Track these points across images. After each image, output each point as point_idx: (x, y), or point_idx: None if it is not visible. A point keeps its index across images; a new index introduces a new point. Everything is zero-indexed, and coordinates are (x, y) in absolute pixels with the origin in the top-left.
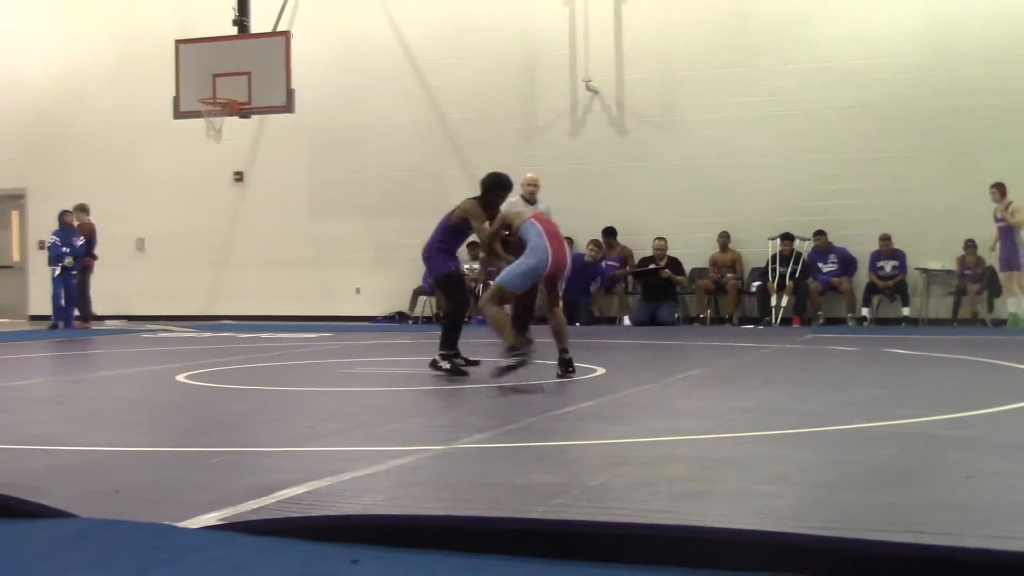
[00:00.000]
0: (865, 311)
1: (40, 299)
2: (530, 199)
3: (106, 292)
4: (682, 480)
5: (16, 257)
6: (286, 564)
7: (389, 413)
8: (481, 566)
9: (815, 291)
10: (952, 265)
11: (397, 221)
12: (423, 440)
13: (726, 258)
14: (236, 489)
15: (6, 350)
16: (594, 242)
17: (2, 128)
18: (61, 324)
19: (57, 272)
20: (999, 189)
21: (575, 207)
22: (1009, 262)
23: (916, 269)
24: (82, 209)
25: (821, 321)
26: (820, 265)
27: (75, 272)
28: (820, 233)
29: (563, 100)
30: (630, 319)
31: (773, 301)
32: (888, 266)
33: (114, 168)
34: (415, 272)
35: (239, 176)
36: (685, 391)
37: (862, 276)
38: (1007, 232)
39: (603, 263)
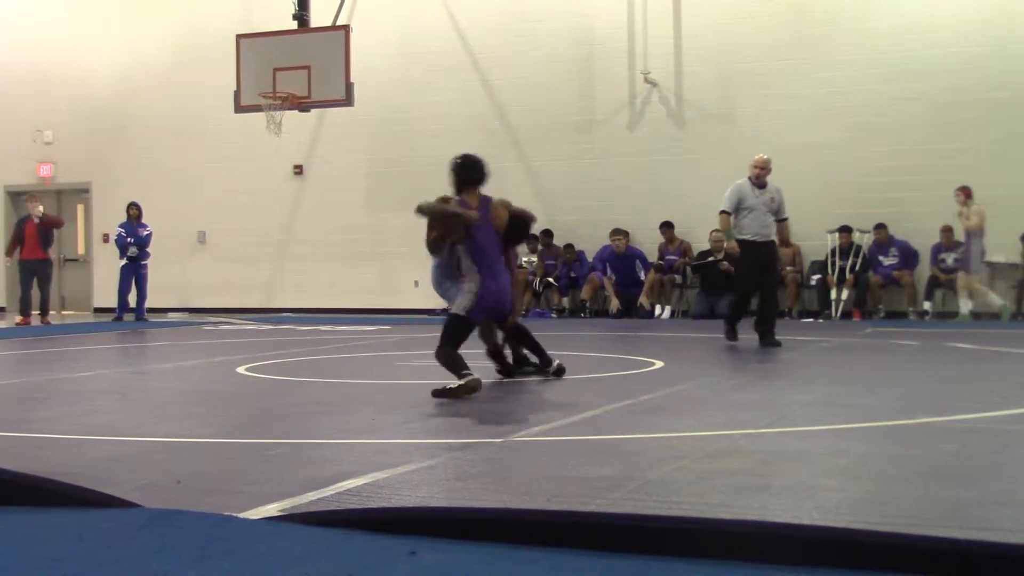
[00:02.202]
0: (927, 305)
1: (104, 292)
2: (758, 183)
3: (168, 285)
4: (741, 474)
5: (82, 250)
6: (345, 555)
7: (447, 406)
8: (538, 559)
9: (875, 284)
10: (1017, 258)
11: None
12: (481, 433)
13: (785, 251)
14: (295, 480)
15: (71, 342)
16: (617, 231)
17: (67, 124)
18: (129, 317)
19: (123, 263)
20: (963, 192)
21: (632, 200)
22: (965, 264)
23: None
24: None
25: (881, 315)
26: (881, 258)
27: (143, 263)
28: (880, 226)
29: (621, 92)
30: (669, 312)
31: (833, 294)
32: (950, 259)
33: (175, 162)
34: None
35: (298, 169)
36: (744, 384)
37: (924, 269)
38: (967, 235)
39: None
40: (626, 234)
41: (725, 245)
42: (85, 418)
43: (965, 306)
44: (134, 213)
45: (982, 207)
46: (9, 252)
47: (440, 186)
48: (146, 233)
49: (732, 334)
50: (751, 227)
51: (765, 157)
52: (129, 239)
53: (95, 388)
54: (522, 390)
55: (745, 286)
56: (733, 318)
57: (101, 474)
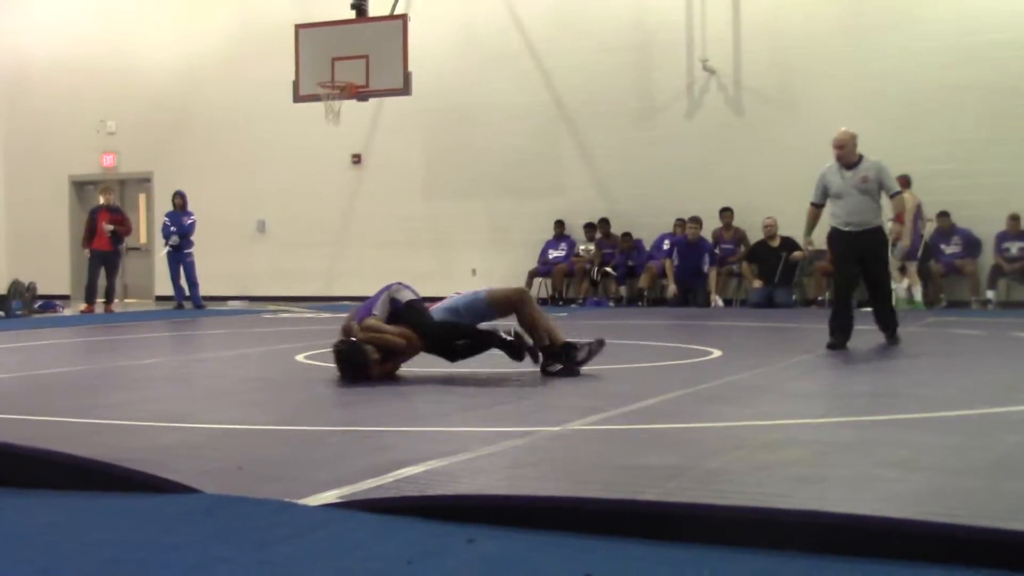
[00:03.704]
0: (990, 294)
1: (166, 280)
2: (845, 163)
3: (227, 273)
4: (799, 464)
5: (143, 239)
6: (403, 542)
7: (505, 394)
8: (596, 547)
9: (937, 273)
10: None
11: (512, 202)
12: (538, 421)
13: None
14: (355, 467)
15: (132, 330)
16: (694, 219)
17: (130, 114)
18: (188, 305)
19: (165, 251)
20: (900, 180)
21: (690, 188)
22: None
23: None
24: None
25: (944, 304)
26: (943, 247)
27: (187, 251)
28: (943, 214)
29: (679, 80)
30: (722, 300)
31: (894, 284)
32: (1015, 247)
33: (234, 151)
34: (530, 253)
35: (356, 158)
36: (803, 374)
37: (987, 258)
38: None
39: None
40: (700, 223)
41: (802, 243)
42: (147, 405)
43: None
44: (179, 202)
45: (908, 195)
46: (85, 244)
47: (498, 174)
48: (189, 222)
49: (832, 339)
50: (841, 215)
51: (843, 132)
52: (172, 228)
53: (157, 375)
54: (580, 380)
55: (840, 282)
56: (832, 320)
57: (164, 460)
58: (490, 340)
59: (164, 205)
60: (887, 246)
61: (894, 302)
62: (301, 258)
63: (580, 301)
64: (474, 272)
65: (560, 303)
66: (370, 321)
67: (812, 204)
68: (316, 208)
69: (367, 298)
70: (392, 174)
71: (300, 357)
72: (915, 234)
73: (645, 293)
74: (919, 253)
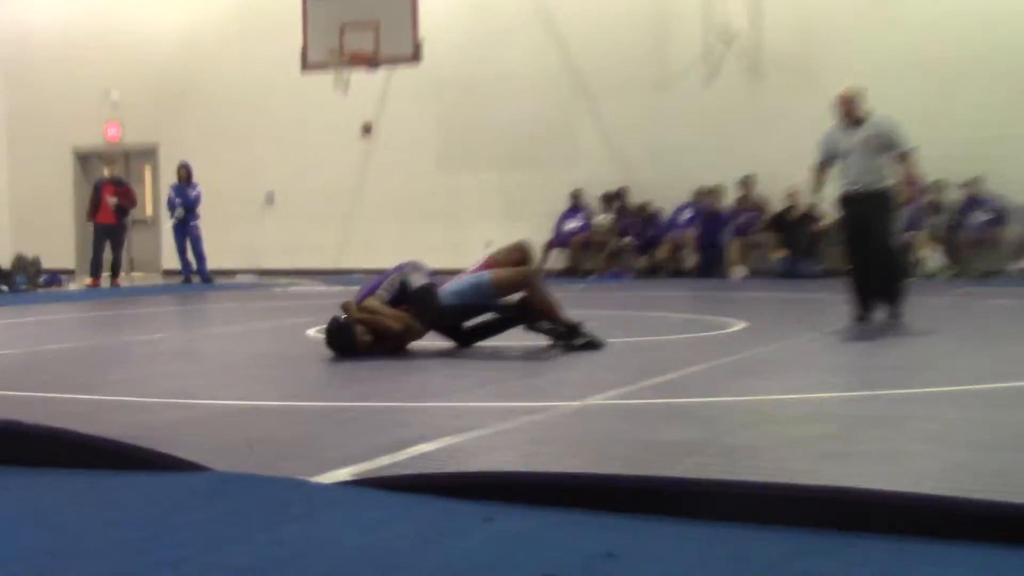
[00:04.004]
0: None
1: (172, 254)
2: (849, 121)
3: (236, 247)
4: (827, 439)
5: (149, 212)
6: (420, 520)
7: (521, 369)
8: (615, 525)
9: (967, 243)
10: None
11: (527, 173)
12: (556, 396)
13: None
14: (368, 445)
15: (139, 304)
16: (714, 188)
17: (134, 84)
18: (196, 279)
19: (171, 224)
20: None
21: (709, 158)
22: None
23: None
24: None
25: (974, 274)
26: (972, 215)
27: (193, 224)
28: (971, 182)
29: (696, 47)
30: (744, 271)
31: (922, 253)
32: None
33: (242, 122)
34: (546, 225)
35: (367, 129)
36: (830, 346)
37: (1018, 227)
38: None
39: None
40: (720, 193)
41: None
42: (156, 381)
43: None
44: (183, 174)
45: None
46: (90, 217)
47: (512, 144)
48: (194, 194)
49: (857, 310)
50: (842, 176)
51: (847, 88)
52: (177, 200)
53: (165, 351)
54: (600, 354)
55: (849, 249)
56: (852, 291)
57: (172, 437)
58: (527, 322)
59: (170, 177)
60: (890, 210)
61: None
62: (311, 231)
63: (598, 273)
64: (488, 244)
65: (579, 275)
66: (369, 302)
67: (817, 165)
68: (326, 180)
69: (379, 272)
70: (403, 146)
71: (311, 332)
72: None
73: (664, 265)
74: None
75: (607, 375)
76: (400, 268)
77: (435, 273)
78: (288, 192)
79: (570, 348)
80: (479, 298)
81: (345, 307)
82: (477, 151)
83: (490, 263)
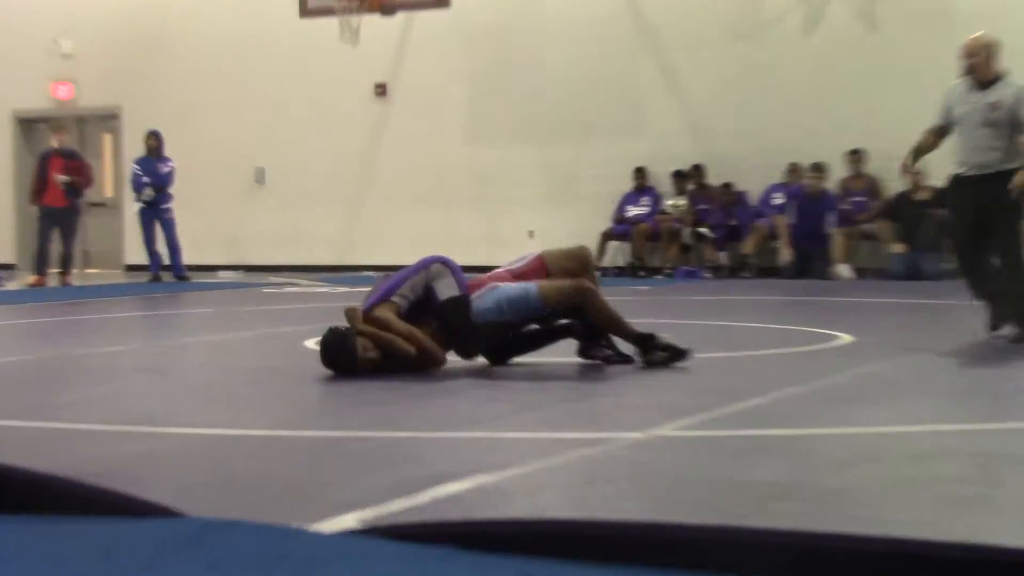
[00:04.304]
0: None
1: (138, 244)
2: (974, 80)
3: (217, 236)
4: (953, 481)
5: (109, 192)
6: None
7: (570, 390)
8: None
9: None
10: None
11: (579, 146)
12: (613, 425)
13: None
14: (380, 484)
15: (99, 308)
16: (815, 166)
17: (90, 32)
18: (167, 277)
19: (137, 208)
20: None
21: (809, 125)
22: None
23: None
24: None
25: None
26: None
27: (164, 206)
28: None
29: None
30: (851, 270)
31: None
32: None
33: (225, 81)
34: (603, 211)
35: (381, 90)
36: (956, 366)
37: None
38: None
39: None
40: (822, 170)
41: (901, 165)
42: (117, 403)
43: None
44: (153, 145)
45: None
46: (35, 199)
47: (561, 110)
48: (167, 170)
49: (991, 319)
50: (959, 153)
51: (976, 37)
52: (146, 178)
53: (128, 366)
54: (668, 374)
55: (958, 246)
56: (976, 297)
57: (137, 474)
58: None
59: (136, 149)
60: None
61: None
62: (310, 217)
63: (668, 271)
64: (531, 235)
65: (641, 273)
66: (381, 312)
67: (931, 129)
68: (330, 154)
69: (396, 268)
70: (425, 110)
71: (310, 343)
72: None
73: (751, 260)
74: None
75: (677, 399)
76: (425, 265)
77: (467, 270)
78: (282, 169)
79: (675, 355)
80: (524, 314)
81: (349, 314)
82: (516, 118)
83: (536, 267)
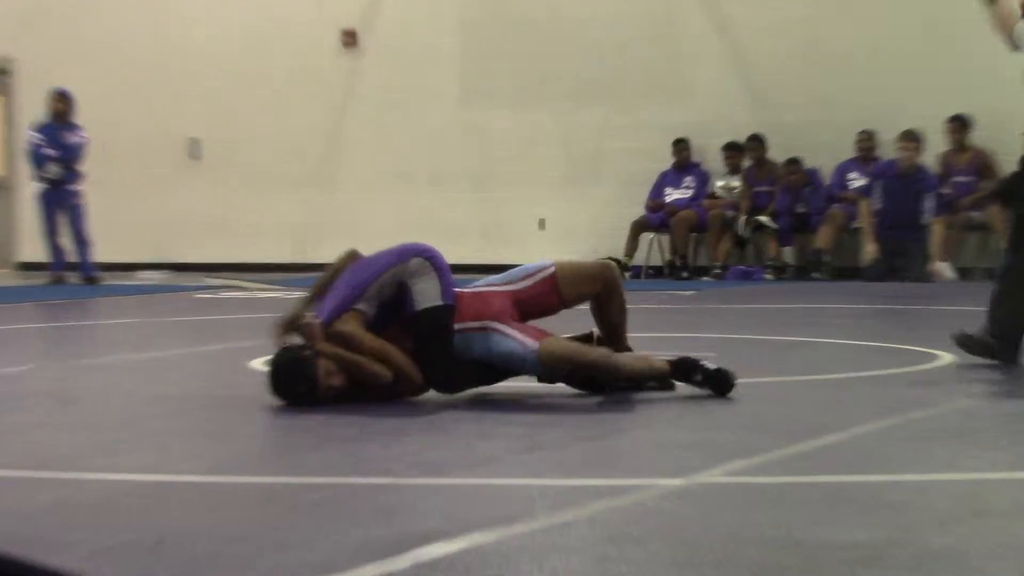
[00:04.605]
0: None
1: (36, 236)
2: None
3: (139, 226)
4: None
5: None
6: None
7: (587, 424)
8: None
9: None
10: None
11: (603, 111)
12: (646, 469)
13: None
14: (347, 544)
15: None
16: (908, 135)
17: None
18: (73, 277)
19: (36, 189)
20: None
21: (898, 84)
22: None
23: None
24: None
25: None
26: None
27: (72, 188)
28: None
29: None
30: (954, 269)
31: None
32: None
33: (150, 29)
34: (634, 194)
35: (349, 39)
36: None
37: None
38: None
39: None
40: (917, 141)
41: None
42: (13, 442)
43: None
44: (59, 108)
45: None
46: None
47: (580, 67)
48: (76, 141)
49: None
50: None
51: None
52: (49, 150)
53: (24, 392)
54: (715, 402)
55: None
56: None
57: (41, 532)
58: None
59: (33, 112)
60: None
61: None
62: (258, 203)
63: (717, 271)
64: (542, 225)
65: (684, 274)
66: (345, 326)
67: None
68: (283, 122)
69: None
70: (407, 67)
71: (257, 364)
72: None
73: (826, 257)
74: None
75: (727, 436)
76: (400, 256)
77: (463, 270)
78: (222, 141)
79: (721, 382)
80: (514, 371)
81: (306, 329)
82: (524, 76)
83: (545, 292)
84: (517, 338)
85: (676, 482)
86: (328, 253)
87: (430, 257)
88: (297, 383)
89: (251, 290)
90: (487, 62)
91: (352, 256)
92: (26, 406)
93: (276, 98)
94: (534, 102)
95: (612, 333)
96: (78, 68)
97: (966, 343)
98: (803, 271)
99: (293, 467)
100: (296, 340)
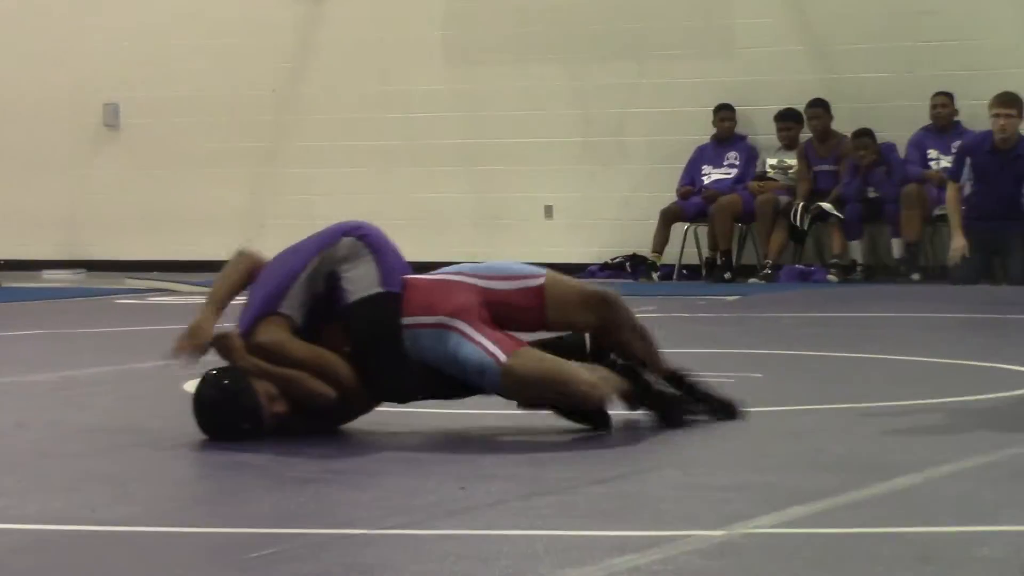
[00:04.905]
0: None
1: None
2: None
3: (43, 216)
4: None
5: None
6: None
7: (613, 463)
8: None
9: None
10: None
11: (629, 71)
12: (680, 518)
13: None
14: None
15: None
16: (1005, 99)
17: None
18: None
19: None
20: None
21: (992, 33)
22: None
23: None
24: None
25: None
26: None
27: None
28: None
29: None
30: None
31: None
32: None
33: None
34: (664, 173)
35: None
36: None
37: None
38: None
39: None
40: (1019, 106)
41: None
42: None
43: None
44: None
45: None
46: None
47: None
48: None
49: None
50: None
51: None
52: None
53: None
54: (765, 438)
55: None
56: None
57: None
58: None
59: None
60: None
61: None
62: (194, 184)
63: (768, 270)
64: (549, 212)
65: (727, 275)
66: (268, 334)
67: None
68: (227, 84)
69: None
70: (381, 15)
71: (188, 386)
72: None
73: (913, 253)
74: None
75: (780, 477)
76: (326, 239)
77: (447, 264)
78: (147, 104)
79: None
80: (469, 382)
81: (222, 344)
82: (526, 24)
83: (527, 306)
84: (480, 343)
85: (715, 533)
86: (275, 247)
87: (363, 236)
88: (240, 420)
89: (181, 293)
90: (480, 10)
91: (243, 258)
92: None
93: (215, 56)
94: (541, 57)
95: (645, 362)
96: None
97: None
98: (873, 270)
99: (238, 515)
100: (210, 359)
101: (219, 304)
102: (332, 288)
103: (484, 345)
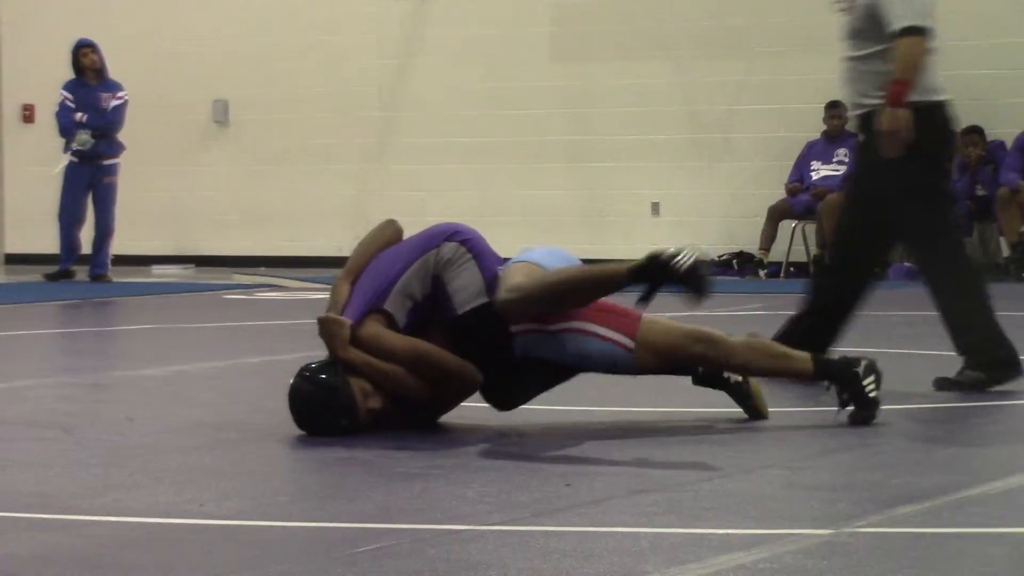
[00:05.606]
0: None
1: (22, 223)
2: None
3: (154, 213)
4: None
5: None
6: None
7: (718, 460)
8: None
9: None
10: None
11: (735, 67)
12: (786, 515)
13: None
14: None
15: None
16: None
17: None
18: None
19: (65, 162)
20: None
21: None
22: None
23: None
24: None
25: None
26: None
27: (106, 162)
28: None
29: None
30: None
31: None
32: None
33: None
34: (773, 171)
35: None
36: None
37: None
38: None
39: None
40: None
41: None
42: (4, 476)
43: None
44: (90, 62)
45: None
46: None
47: (706, 9)
48: (115, 103)
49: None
50: None
51: None
52: (80, 114)
53: (17, 418)
54: (873, 434)
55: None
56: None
57: None
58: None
59: (22, 67)
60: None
61: None
62: (302, 180)
63: (876, 269)
64: (656, 209)
65: None
66: (367, 328)
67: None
68: (333, 81)
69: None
70: (488, 9)
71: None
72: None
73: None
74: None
75: (889, 475)
76: (434, 238)
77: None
78: (254, 102)
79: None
80: (605, 371)
81: (328, 328)
82: (633, 22)
83: (617, 324)
84: (605, 336)
85: (821, 532)
86: None
87: (465, 240)
88: (337, 416)
89: (290, 288)
90: (589, 2)
91: (389, 225)
92: (18, 433)
93: (320, 53)
94: (648, 54)
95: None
96: (76, 8)
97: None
98: (984, 269)
99: (349, 510)
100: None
101: (357, 275)
102: (436, 293)
103: (609, 337)
